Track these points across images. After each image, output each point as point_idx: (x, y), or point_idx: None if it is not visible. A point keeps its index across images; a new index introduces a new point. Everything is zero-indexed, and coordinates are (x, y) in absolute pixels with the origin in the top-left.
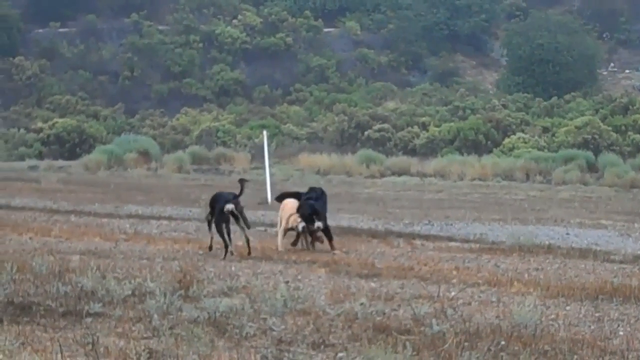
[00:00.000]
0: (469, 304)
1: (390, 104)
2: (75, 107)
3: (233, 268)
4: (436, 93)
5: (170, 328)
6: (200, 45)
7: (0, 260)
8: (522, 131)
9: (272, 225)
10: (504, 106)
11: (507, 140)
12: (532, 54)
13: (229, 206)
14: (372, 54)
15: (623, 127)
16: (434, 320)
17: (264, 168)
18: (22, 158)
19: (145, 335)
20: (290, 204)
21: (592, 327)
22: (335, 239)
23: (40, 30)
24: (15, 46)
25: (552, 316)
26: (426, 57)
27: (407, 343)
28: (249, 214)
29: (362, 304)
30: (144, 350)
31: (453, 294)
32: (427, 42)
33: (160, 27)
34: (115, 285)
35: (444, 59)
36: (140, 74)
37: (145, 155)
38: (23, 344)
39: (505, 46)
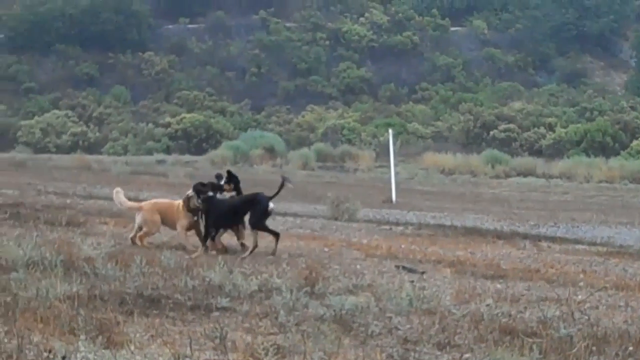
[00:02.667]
0: (597, 307)
1: (517, 104)
2: (202, 103)
3: (358, 266)
4: (563, 94)
5: (297, 324)
6: (327, 42)
7: (130, 253)
8: None
9: (397, 224)
10: (633, 108)
11: (635, 142)
12: None
13: (273, 206)
14: (499, 54)
15: None
16: (561, 324)
17: (388, 167)
18: (150, 152)
19: (271, 331)
20: None
21: None
22: (461, 239)
23: (170, 26)
24: (145, 42)
25: None
26: (554, 57)
27: (534, 346)
28: (374, 213)
29: (487, 305)
30: (271, 346)
31: (580, 297)
32: (555, 42)
33: (288, 24)
34: (242, 281)
35: (572, 60)
36: (267, 70)
37: (270, 151)
38: (153, 336)
39: (634, 47)
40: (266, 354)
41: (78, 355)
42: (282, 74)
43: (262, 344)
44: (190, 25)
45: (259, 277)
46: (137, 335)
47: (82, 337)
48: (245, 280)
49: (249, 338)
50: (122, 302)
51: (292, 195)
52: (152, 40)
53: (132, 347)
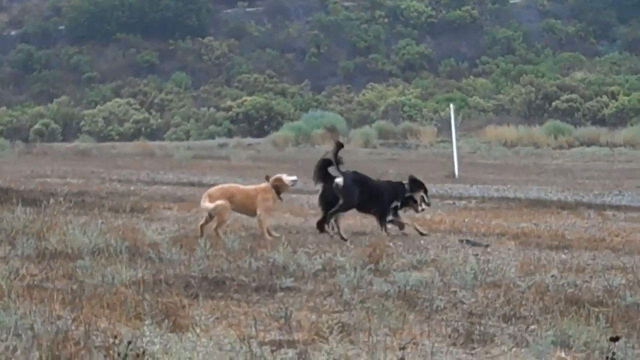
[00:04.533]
0: None
1: (579, 74)
2: (263, 85)
3: (422, 242)
4: (625, 62)
5: (361, 302)
6: (386, 20)
7: (194, 237)
8: None
9: (460, 198)
10: None
11: None
12: None
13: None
14: (559, 24)
15: None
16: (627, 292)
17: (450, 142)
18: (212, 136)
19: (336, 309)
20: None
21: None
22: (525, 211)
23: (229, 11)
24: (205, 27)
25: None
26: (615, 25)
27: (600, 315)
28: (437, 188)
29: (553, 276)
30: (336, 324)
31: None
32: (615, 10)
33: (346, 4)
34: (306, 260)
35: (634, 27)
36: (327, 50)
37: (332, 130)
38: (218, 318)
39: None
40: (331, 332)
41: (144, 339)
42: (341, 53)
43: (327, 322)
44: (248, 9)
45: (322, 256)
46: (203, 317)
47: (147, 321)
48: (309, 259)
49: (313, 317)
50: (187, 286)
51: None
52: (211, 25)
53: (198, 330)
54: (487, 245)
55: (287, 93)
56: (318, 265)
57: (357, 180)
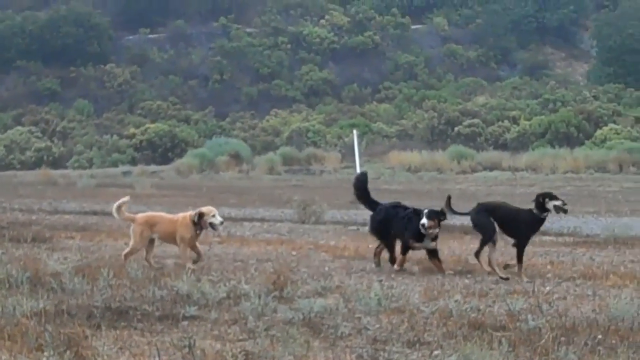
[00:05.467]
0: (565, 298)
1: (480, 99)
2: (166, 112)
3: (326, 268)
4: (526, 86)
5: (266, 329)
6: (289, 46)
7: (97, 267)
8: (614, 122)
9: (365, 224)
10: (595, 97)
11: (599, 131)
12: (622, 44)
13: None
14: (461, 50)
15: None
16: (529, 316)
17: (354, 167)
18: (115, 164)
19: (241, 337)
20: None
21: None
22: None
23: (131, 37)
24: (106, 54)
25: None
26: (515, 50)
27: (503, 339)
28: (342, 214)
29: (456, 300)
30: (240, 352)
31: (548, 288)
32: (515, 35)
33: (249, 30)
34: (210, 288)
35: (533, 52)
36: (230, 77)
37: (236, 157)
38: (121, 348)
39: (594, 37)
40: None
41: None
42: (244, 79)
43: (231, 350)
44: (151, 36)
45: (227, 284)
46: (105, 348)
47: (48, 352)
48: (213, 288)
49: (218, 345)
50: (89, 316)
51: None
52: (113, 52)
53: None
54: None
55: (190, 120)
56: (222, 294)
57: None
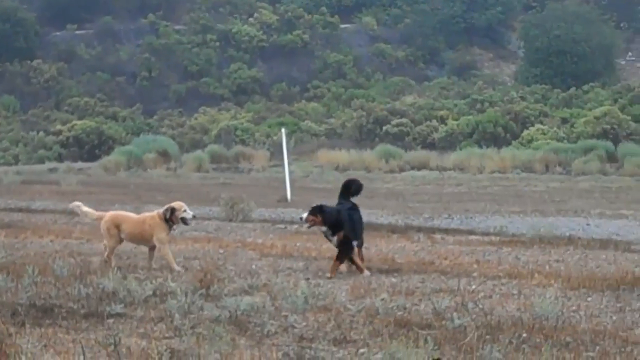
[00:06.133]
0: (490, 297)
1: (408, 99)
2: (93, 109)
3: (254, 266)
4: (454, 86)
5: (192, 327)
6: (217, 44)
7: (22, 264)
8: (541, 123)
9: (292, 222)
10: (522, 98)
11: (525, 132)
12: (549, 45)
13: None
14: (389, 49)
15: None
16: (455, 314)
17: (282, 166)
18: (41, 161)
19: (167, 335)
20: None
21: (614, 318)
22: None
23: (58, 33)
24: (33, 49)
25: (574, 307)
26: (443, 50)
27: (429, 337)
28: (269, 212)
29: (383, 299)
30: (165, 350)
31: (474, 287)
32: (444, 35)
33: (177, 27)
34: (136, 286)
35: (461, 52)
36: (158, 74)
37: (164, 155)
38: (45, 346)
39: (522, 38)
40: (160, 359)
41: None
42: (173, 77)
43: (157, 348)
44: (78, 32)
45: (153, 281)
46: (30, 345)
47: None
48: (139, 285)
49: (143, 343)
50: (14, 314)
51: (186, 198)
52: (39, 47)
53: (24, 358)
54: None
55: (118, 117)
56: (149, 291)
57: None
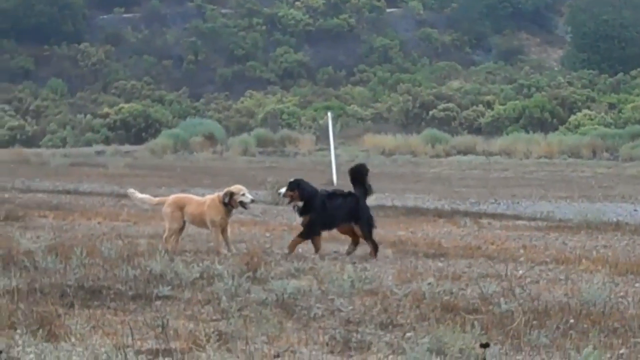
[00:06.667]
0: (537, 282)
1: (455, 83)
2: (140, 92)
3: (300, 250)
4: (500, 71)
5: (239, 310)
6: (264, 27)
7: (70, 245)
8: (588, 108)
9: None
10: (570, 83)
11: (573, 117)
12: (597, 30)
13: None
14: (436, 34)
15: None
16: (502, 299)
17: (329, 149)
18: (89, 144)
19: (214, 318)
20: None
21: None
22: (402, 219)
23: (105, 16)
24: (81, 33)
25: (622, 293)
26: (490, 35)
27: (475, 322)
28: None
29: (429, 283)
30: (213, 332)
31: (521, 272)
32: (490, 20)
33: (224, 11)
34: (183, 269)
35: (508, 37)
36: (205, 58)
37: (210, 138)
38: (94, 327)
39: (569, 23)
40: (208, 341)
41: (17, 349)
42: (219, 60)
43: (204, 330)
44: (125, 15)
45: (200, 264)
46: (78, 327)
47: (21, 331)
48: (186, 268)
49: (191, 325)
50: (62, 295)
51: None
52: (87, 31)
53: (73, 339)
54: None
55: (164, 100)
56: (196, 274)
57: None
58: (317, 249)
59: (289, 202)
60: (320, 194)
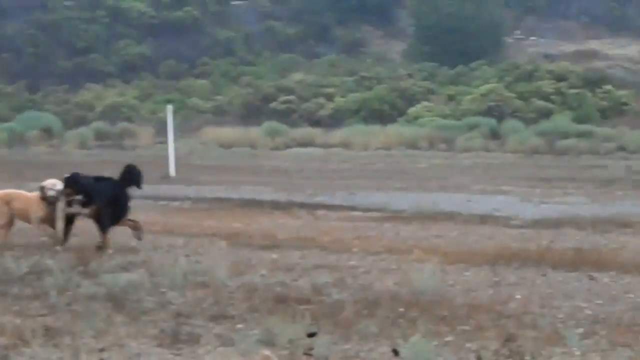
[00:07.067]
0: (369, 272)
1: (296, 76)
2: None
3: (133, 243)
4: (343, 64)
5: (68, 304)
6: (107, 20)
7: None
8: (427, 100)
9: (175, 199)
10: (410, 75)
11: (412, 109)
12: (439, 23)
13: None
14: (280, 26)
15: (527, 94)
16: (333, 290)
17: (167, 143)
18: None
19: (41, 313)
20: None
21: (490, 292)
22: (238, 211)
23: None
24: None
25: (451, 282)
26: (333, 28)
27: (306, 312)
28: (152, 189)
29: (262, 275)
30: (40, 327)
31: (353, 262)
32: (334, 13)
33: (67, 3)
34: (12, 264)
35: (351, 30)
36: (45, 50)
37: (47, 132)
38: None
39: (412, 15)
40: (34, 336)
41: None
42: (60, 53)
43: (31, 326)
44: None
45: (30, 259)
46: None
47: None
48: (15, 263)
49: (17, 321)
50: None
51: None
52: None
53: None
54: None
55: (2, 93)
56: (25, 269)
57: None
58: (66, 240)
59: (68, 200)
60: (102, 184)
